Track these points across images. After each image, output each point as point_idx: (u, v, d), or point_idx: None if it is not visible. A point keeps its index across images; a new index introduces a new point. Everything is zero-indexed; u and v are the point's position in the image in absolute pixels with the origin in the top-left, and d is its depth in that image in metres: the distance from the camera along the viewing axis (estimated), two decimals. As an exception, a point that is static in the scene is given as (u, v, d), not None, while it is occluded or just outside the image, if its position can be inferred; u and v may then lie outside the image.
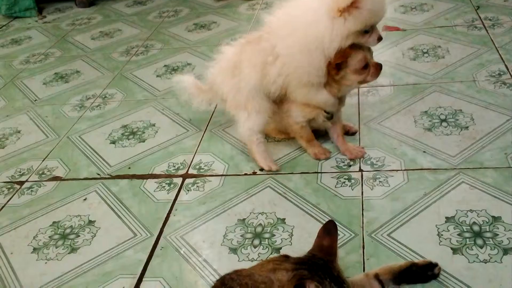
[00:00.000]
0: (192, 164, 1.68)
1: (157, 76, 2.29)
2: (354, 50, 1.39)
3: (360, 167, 1.55)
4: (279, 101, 1.56)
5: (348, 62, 1.40)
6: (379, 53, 2.19)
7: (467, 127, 1.65)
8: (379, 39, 1.40)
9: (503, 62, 1.97)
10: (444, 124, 1.69)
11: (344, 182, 1.50)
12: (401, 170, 1.52)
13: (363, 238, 1.31)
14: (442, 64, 2.04)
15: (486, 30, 2.24)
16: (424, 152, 1.58)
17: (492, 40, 2.15)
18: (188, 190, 1.56)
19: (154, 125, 1.93)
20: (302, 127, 1.58)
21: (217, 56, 1.59)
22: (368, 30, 1.37)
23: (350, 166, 1.57)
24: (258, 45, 1.46)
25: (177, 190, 1.57)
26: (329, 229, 0.96)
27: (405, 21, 2.45)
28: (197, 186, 1.58)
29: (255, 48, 1.47)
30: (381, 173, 1.52)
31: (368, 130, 1.72)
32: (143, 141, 1.84)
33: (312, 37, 1.35)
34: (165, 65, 2.38)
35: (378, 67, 1.45)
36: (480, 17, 2.36)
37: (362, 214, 1.38)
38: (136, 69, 2.40)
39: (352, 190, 1.47)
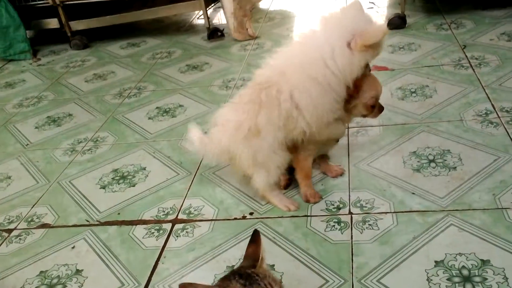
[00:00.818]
0: (181, 209, 1.68)
1: (149, 118, 2.31)
2: (369, 86, 1.52)
3: (349, 210, 1.55)
4: None
5: (362, 94, 1.52)
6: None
7: (455, 168, 1.66)
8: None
9: (490, 101, 2.00)
10: (433, 164, 1.70)
11: (334, 225, 1.50)
12: (390, 212, 1.52)
13: (352, 284, 1.29)
14: (430, 103, 2.07)
15: (473, 69, 2.27)
16: (413, 193, 1.58)
17: (478, 79, 2.18)
18: (177, 236, 1.55)
19: (144, 168, 1.94)
20: (309, 155, 1.61)
21: (218, 118, 1.56)
22: None
23: (339, 209, 1.57)
24: (275, 106, 1.44)
25: (166, 236, 1.56)
26: (254, 238, 1.03)
27: (393, 60, 2.49)
28: (186, 231, 1.57)
29: (274, 111, 1.45)
30: (371, 215, 1.52)
31: (357, 171, 1.73)
32: (133, 186, 1.84)
33: (332, 75, 1.40)
34: (157, 107, 2.40)
35: (381, 109, 1.60)
36: (466, 56, 2.40)
37: (352, 259, 1.37)
38: (128, 111, 2.42)
39: (342, 234, 1.47)
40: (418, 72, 2.34)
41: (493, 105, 1.97)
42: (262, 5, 3.74)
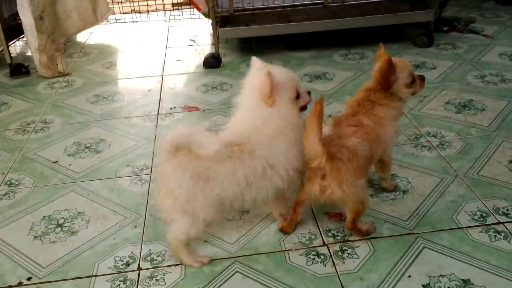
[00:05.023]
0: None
1: None
2: (400, 68, 1.59)
3: (139, 265, 1.49)
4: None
5: (398, 77, 1.59)
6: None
7: (248, 211, 1.70)
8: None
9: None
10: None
11: (119, 284, 1.42)
12: (179, 264, 1.49)
13: None
14: (233, 144, 2.11)
15: (276, 109, 2.39)
16: (205, 241, 1.57)
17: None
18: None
19: (83, 213, 1.73)
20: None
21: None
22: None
23: (128, 265, 1.49)
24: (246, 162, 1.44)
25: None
26: None
27: (205, 100, 2.53)
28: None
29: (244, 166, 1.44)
30: (159, 270, 1.47)
31: (153, 221, 1.67)
32: (76, 234, 1.64)
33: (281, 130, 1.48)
34: None
35: (422, 78, 1.68)
36: (272, 96, 2.53)
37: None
38: None
39: (125, 293, 1.40)
40: (226, 112, 2.39)
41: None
42: (79, 38, 3.58)
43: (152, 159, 2.02)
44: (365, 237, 1.56)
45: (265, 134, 1.45)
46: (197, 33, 3.58)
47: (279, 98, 1.45)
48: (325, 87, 2.60)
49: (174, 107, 2.48)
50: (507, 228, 1.56)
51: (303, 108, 1.55)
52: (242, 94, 1.51)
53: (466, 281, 1.39)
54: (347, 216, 1.53)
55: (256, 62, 1.52)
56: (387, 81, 1.57)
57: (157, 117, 2.38)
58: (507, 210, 1.64)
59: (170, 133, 1.34)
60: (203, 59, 2.97)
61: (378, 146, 1.58)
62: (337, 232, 1.59)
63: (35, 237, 1.63)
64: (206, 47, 3.30)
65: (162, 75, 2.89)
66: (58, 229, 1.66)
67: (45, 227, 1.68)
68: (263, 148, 1.44)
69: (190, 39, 3.45)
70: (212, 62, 2.94)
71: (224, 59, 3.01)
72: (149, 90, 2.70)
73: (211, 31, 2.94)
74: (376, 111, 1.58)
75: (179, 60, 3.11)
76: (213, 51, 2.98)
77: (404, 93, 1.62)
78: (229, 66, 2.96)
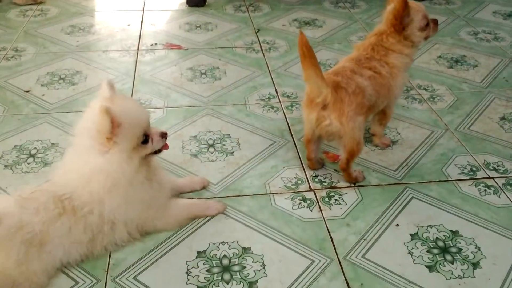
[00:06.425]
0: None
1: None
2: (414, 10, 1.52)
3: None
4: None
5: (412, 19, 1.52)
6: (159, 71, 2.09)
7: (232, 153, 1.64)
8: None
9: (274, 86, 2.03)
10: (211, 149, 1.65)
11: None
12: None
13: (106, 284, 1.17)
14: (218, 86, 2.02)
15: (263, 53, 2.30)
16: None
17: (267, 63, 2.21)
18: None
19: (57, 145, 1.62)
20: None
21: None
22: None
23: None
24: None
25: None
26: None
27: (188, 39, 2.41)
28: None
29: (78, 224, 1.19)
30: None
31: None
32: (49, 165, 1.54)
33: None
34: None
35: (436, 21, 1.61)
36: (259, 40, 2.43)
37: (110, 256, 1.24)
38: None
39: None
40: (211, 53, 2.29)
41: (276, 90, 2.00)
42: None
43: (132, 95, 1.92)
44: (353, 184, 1.52)
45: (93, 190, 1.17)
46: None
47: (115, 144, 1.15)
48: (314, 34, 2.50)
49: (155, 44, 2.35)
50: (497, 183, 1.54)
51: (157, 152, 1.27)
52: (77, 128, 1.21)
53: (455, 232, 1.36)
54: (342, 155, 1.48)
55: (104, 88, 1.19)
56: (400, 22, 1.50)
57: (137, 53, 2.25)
58: (497, 166, 1.62)
59: None
60: (186, -3, 2.82)
61: (386, 98, 1.52)
62: (324, 178, 1.54)
63: (5, 166, 1.54)
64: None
65: (143, 10, 2.73)
66: (31, 159, 1.56)
67: (17, 156, 1.58)
68: (93, 205, 1.17)
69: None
70: (196, 0, 2.78)
71: (209, -1, 2.87)
72: (129, 25, 2.55)
73: (197, -32, 2.79)
74: (390, 58, 1.52)
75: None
76: (197, -11, 2.83)
77: (418, 37, 1.55)
78: (214, 6, 2.82)
